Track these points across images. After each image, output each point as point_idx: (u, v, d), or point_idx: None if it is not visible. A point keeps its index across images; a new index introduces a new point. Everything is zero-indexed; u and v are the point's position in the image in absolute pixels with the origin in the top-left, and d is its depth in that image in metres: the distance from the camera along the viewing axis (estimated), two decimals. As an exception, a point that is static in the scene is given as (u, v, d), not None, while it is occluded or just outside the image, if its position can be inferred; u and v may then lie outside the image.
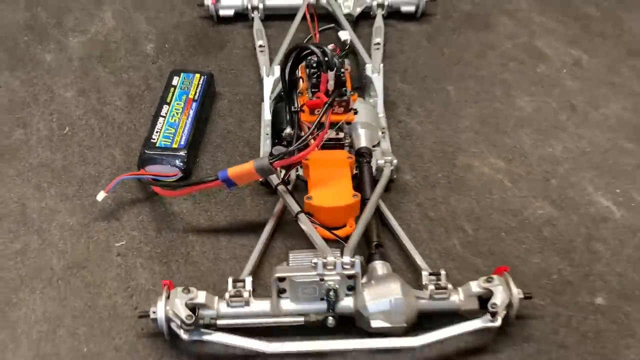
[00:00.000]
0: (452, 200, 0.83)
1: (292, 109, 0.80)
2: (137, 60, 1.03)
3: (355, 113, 0.82)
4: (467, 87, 0.99)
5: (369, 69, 0.92)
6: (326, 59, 0.73)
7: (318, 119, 0.72)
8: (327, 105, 0.73)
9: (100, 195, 0.78)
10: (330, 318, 0.64)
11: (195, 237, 0.79)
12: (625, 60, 1.04)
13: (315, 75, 0.79)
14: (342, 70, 0.78)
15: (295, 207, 0.74)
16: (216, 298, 0.67)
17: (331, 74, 0.74)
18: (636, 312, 0.71)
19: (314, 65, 0.79)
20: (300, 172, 0.84)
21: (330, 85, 0.76)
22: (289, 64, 0.77)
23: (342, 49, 0.86)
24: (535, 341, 0.68)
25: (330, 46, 0.81)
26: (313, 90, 0.80)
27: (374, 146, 0.86)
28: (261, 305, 0.67)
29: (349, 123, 0.84)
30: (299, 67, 0.81)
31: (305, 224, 0.72)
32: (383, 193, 0.82)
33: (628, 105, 0.97)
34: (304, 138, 0.72)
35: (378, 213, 0.79)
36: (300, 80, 0.83)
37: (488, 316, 0.65)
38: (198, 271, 0.75)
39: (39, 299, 0.72)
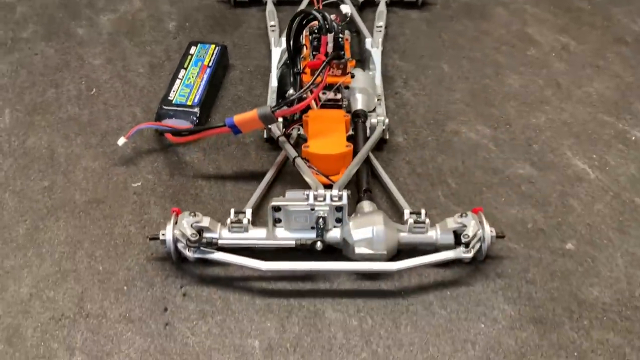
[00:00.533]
0: (439, 160, 0.90)
1: (295, 71, 0.89)
2: (160, 36, 1.14)
3: (352, 77, 0.91)
4: (461, 66, 1.07)
5: (368, 43, 1.01)
6: (326, 22, 0.82)
7: (317, 73, 0.81)
8: (325, 62, 0.82)
9: (121, 141, 0.87)
10: (319, 242, 0.72)
11: (204, 182, 0.87)
12: (611, 47, 1.11)
13: (316, 39, 0.88)
14: (341, 36, 0.87)
15: (293, 152, 0.82)
16: (219, 224, 0.75)
17: (330, 37, 0.83)
18: (602, 258, 0.77)
19: (316, 30, 0.88)
20: (302, 131, 0.92)
21: (330, 47, 0.85)
22: (293, 29, 0.86)
23: (343, 22, 0.95)
24: (506, 277, 0.75)
25: (332, 15, 0.91)
26: (314, 53, 0.89)
27: (370, 112, 0.94)
28: (258, 232, 0.75)
29: (347, 87, 0.92)
30: (304, 36, 0.90)
31: (301, 166, 0.80)
32: (376, 152, 0.90)
33: (611, 85, 1.03)
34: (303, 90, 0.81)
35: (369, 166, 0.86)
36: (304, 47, 0.92)
37: (462, 247, 0.72)
38: (205, 209, 0.83)
39: (62, 226, 0.81)
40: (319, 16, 0.83)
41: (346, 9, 0.94)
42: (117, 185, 0.86)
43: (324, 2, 0.99)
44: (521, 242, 0.79)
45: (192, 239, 0.71)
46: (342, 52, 0.87)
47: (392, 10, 1.18)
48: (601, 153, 0.91)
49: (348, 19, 0.94)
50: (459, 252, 0.72)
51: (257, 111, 0.80)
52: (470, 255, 0.72)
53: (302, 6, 1.11)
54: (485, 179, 0.87)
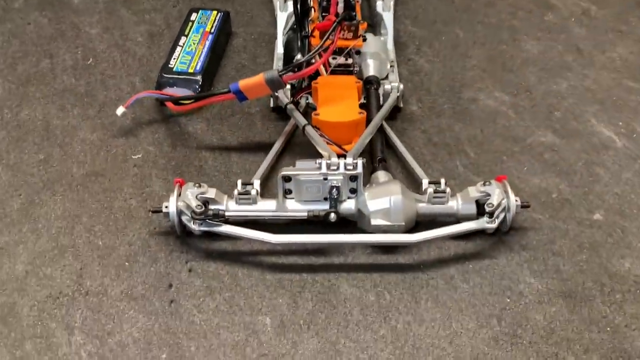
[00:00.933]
0: (456, 128, 0.85)
1: (303, 35, 0.84)
2: (159, 4, 1.07)
3: (364, 40, 0.85)
4: (476, 31, 1.01)
5: (379, 5, 0.95)
6: (336, -20, 0.77)
7: (327, 35, 0.76)
8: (335, 22, 0.77)
9: (120, 110, 0.82)
10: (332, 214, 0.67)
11: (208, 153, 0.82)
12: (633, 11, 1.05)
13: (325, 0, 0.83)
14: (352, -5, 0.81)
15: (303, 121, 0.77)
16: (225, 196, 0.70)
17: (341, -5, 0.78)
18: (633, 228, 0.73)
19: (325, -9, 0.83)
20: (310, 99, 0.87)
21: (340, 7, 0.80)
22: (301, -12, 0.81)
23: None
24: (532, 249, 0.71)
25: (342, -25, 0.85)
26: (323, 14, 0.84)
27: (382, 78, 0.89)
28: (268, 204, 0.70)
29: (358, 52, 0.87)
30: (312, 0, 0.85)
31: (312, 134, 0.75)
32: (390, 121, 0.85)
33: (635, 50, 0.98)
34: (312, 52, 0.76)
35: (383, 135, 0.82)
36: (312, 10, 0.86)
37: (485, 218, 0.68)
38: (210, 182, 0.78)
39: (59, 200, 0.76)
40: (328, -26, 0.77)
41: (355, -33, 0.89)
42: (116, 158, 0.81)
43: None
44: (546, 213, 0.74)
45: (198, 210, 0.66)
46: (354, 13, 0.82)
47: (402, -25, 1.13)
48: (627, 120, 0.86)
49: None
50: (482, 223, 0.68)
51: (264, 75, 0.75)
52: (494, 225, 0.68)
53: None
54: (505, 147, 0.82)
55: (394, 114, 0.87)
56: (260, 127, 0.86)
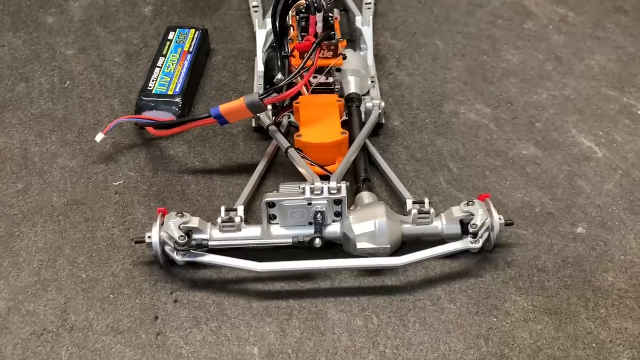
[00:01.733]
0: (438, 143, 0.85)
1: (283, 54, 0.83)
2: (136, 22, 1.06)
3: (344, 58, 0.85)
4: (456, 42, 1.02)
5: (358, 21, 0.95)
6: (314, 0, 0.76)
7: (307, 57, 0.75)
8: (315, 44, 0.76)
9: (99, 137, 0.81)
10: (317, 239, 0.67)
11: (190, 177, 0.81)
12: (610, 16, 1.06)
13: (304, 19, 0.82)
14: (331, 14, 0.81)
15: (285, 143, 0.77)
16: (209, 224, 0.70)
17: (319, 16, 0.78)
18: (615, 240, 0.73)
19: (303, 10, 0.83)
20: (292, 118, 0.87)
21: (319, 27, 0.79)
22: (279, 9, 0.80)
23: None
24: (517, 266, 0.71)
25: (319, -7, 0.85)
26: (302, 34, 0.83)
27: (363, 95, 0.89)
28: (252, 230, 0.70)
29: (338, 70, 0.87)
30: (290, 16, 0.84)
31: (294, 157, 0.75)
32: (372, 137, 0.85)
33: (612, 57, 0.99)
34: (292, 75, 0.75)
35: (366, 153, 0.82)
36: (291, 28, 0.86)
37: (469, 237, 0.68)
38: (193, 207, 0.78)
39: (40, 232, 0.75)
40: (306, -6, 0.77)
41: (334, -15, 0.88)
42: (97, 185, 0.80)
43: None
44: (530, 228, 0.75)
45: (181, 241, 0.66)
46: (333, 32, 0.82)
47: (380, -14, 1.13)
48: (607, 129, 0.87)
49: (336, -4, 0.89)
50: (467, 243, 0.68)
51: (245, 99, 0.74)
52: (478, 245, 0.68)
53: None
54: (487, 161, 0.83)
55: (376, 130, 0.86)
56: (242, 148, 0.85)
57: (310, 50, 0.76)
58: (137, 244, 0.71)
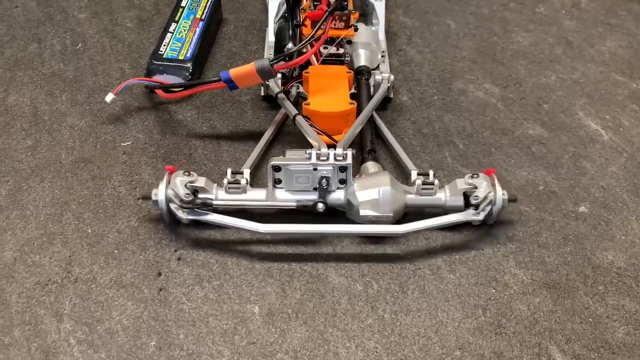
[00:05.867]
0: (445, 119, 0.86)
1: (295, 23, 0.83)
2: (149, -12, 1.07)
3: (356, 30, 0.85)
4: (467, 22, 1.02)
5: (371, -5, 0.95)
6: (328, -31, 0.76)
7: (319, 25, 0.76)
8: (327, 13, 0.77)
9: (109, 97, 0.82)
10: (320, 204, 0.68)
11: (198, 141, 0.82)
12: (623, 4, 1.06)
13: (317, -11, 0.82)
14: (344, -15, 0.81)
15: (293, 110, 0.77)
16: (215, 184, 0.71)
17: (333, -15, 0.78)
18: (617, 221, 0.74)
19: (317, -20, 0.83)
20: (301, 88, 0.87)
21: (332, -4, 0.80)
22: (293, -23, 0.80)
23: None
24: (518, 241, 0.72)
25: (333, -36, 0.85)
26: (315, 3, 0.84)
27: (373, 69, 0.89)
28: (257, 193, 0.70)
29: (349, 42, 0.87)
30: (303, -14, 0.84)
31: (302, 124, 0.75)
32: (380, 111, 0.86)
33: (623, 43, 0.99)
34: (303, 42, 0.75)
35: (374, 125, 0.82)
36: (304, -1, 0.86)
37: (472, 210, 0.69)
38: (200, 170, 0.78)
39: (48, 187, 0.76)
40: (320, -37, 0.77)
41: (348, -44, 0.88)
42: (105, 145, 0.81)
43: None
44: (532, 205, 0.75)
45: (186, 199, 0.66)
46: (345, 3, 0.82)
47: (395, -36, 1.12)
48: (614, 114, 0.87)
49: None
50: (469, 215, 0.69)
51: (255, 64, 0.75)
52: (480, 218, 0.69)
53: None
54: (494, 139, 0.83)
55: (385, 104, 0.87)
56: (250, 116, 0.86)
57: (322, 19, 0.76)
58: (143, 201, 0.72)
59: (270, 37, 0.93)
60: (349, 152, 0.68)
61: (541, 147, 0.82)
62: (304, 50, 0.77)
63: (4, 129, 0.82)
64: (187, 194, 0.67)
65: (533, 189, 0.77)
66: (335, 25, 0.84)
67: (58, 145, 0.81)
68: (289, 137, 0.82)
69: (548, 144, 0.83)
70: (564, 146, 0.83)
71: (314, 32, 0.76)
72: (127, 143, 0.81)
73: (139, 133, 0.83)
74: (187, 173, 0.69)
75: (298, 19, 0.83)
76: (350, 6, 0.88)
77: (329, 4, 0.79)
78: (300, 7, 0.84)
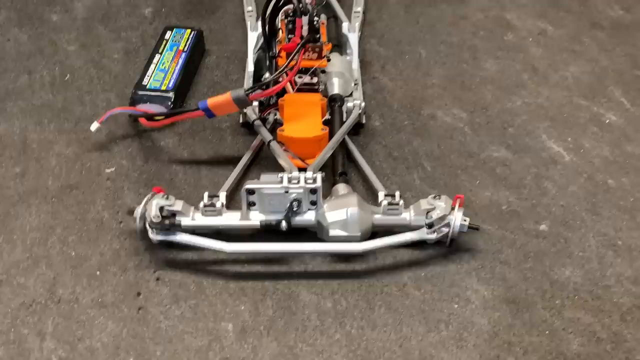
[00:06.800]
0: (415, 143, 0.90)
1: (270, 55, 0.88)
2: (136, 22, 1.12)
3: (329, 60, 0.90)
4: (438, 51, 1.07)
5: (345, 27, 1.00)
6: (300, 4, 0.81)
7: (292, 56, 0.81)
8: (300, 45, 0.81)
9: (94, 126, 0.86)
10: (283, 222, 0.71)
11: (179, 167, 0.86)
12: (587, 32, 1.11)
13: (291, 22, 0.87)
14: (317, 18, 0.86)
15: (268, 136, 0.82)
16: (192, 207, 0.74)
17: (305, 19, 0.83)
18: (575, 238, 0.78)
19: (291, 14, 0.88)
20: (278, 115, 0.91)
21: (305, 30, 0.84)
22: (268, 12, 0.85)
23: (318, 4, 0.95)
24: (480, 258, 0.75)
25: (307, -1, 0.90)
26: (289, 36, 0.89)
27: (346, 96, 0.94)
28: (232, 216, 0.74)
29: (323, 71, 0.92)
30: (280, 20, 0.89)
31: (275, 149, 0.80)
32: (353, 136, 0.90)
33: (586, 69, 1.04)
34: (277, 73, 0.80)
35: (345, 149, 0.86)
36: (280, 31, 0.91)
37: (425, 228, 0.72)
38: (180, 194, 0.82)
39: (34, 212, 0.80)
40: (293, -1, 0.82)
41: (322, -9, 0.93)
42: (90, 171, 0.85)
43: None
44: (495, 224, 0.79)
45: (155, 220, 0.70)
46: (318, 35, 0.87)
47: (370, -4, 1.18)
48: (576, 136, 0.92)
49: (324, 1, 0.94)
50: (423, 233, 0.72)
51: (231, 94, 0.79)
52: (433, 237, 0.72)
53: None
54: (460, 162, 0.87)
55: (357, 129, 0.91)
56: (229, 142, 0.90)
57: (295, 51, 0.81)
58: (123, 225, 0.76)
59: (250, 67, 0.98)
60: (319, 175, 0.72)
61: (505, 169, 0.86)
62: (279, 79, 0.82)
63: (-6, 158, 0.87)
64: (157, 215, 0.70)
65: (496, 209, 0.81)
66: (308, 56, 0.89)
67: (45, 172, 0.85)
68: (265, 161, 0.87)
69: (512, 166, 0.87)
70: (527, 167, 0.87)
71: (287, 63, 0.81)
72: (111, 169, 0.85)
73: (123, 159, 0.87)
74: (165, 196, 0.73)
75: (274, 50, 0.88)
76: (324, 38, 0.93)
77: (302, 37, 0.84)
78: (277, 40, 0.90)
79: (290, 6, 0.86)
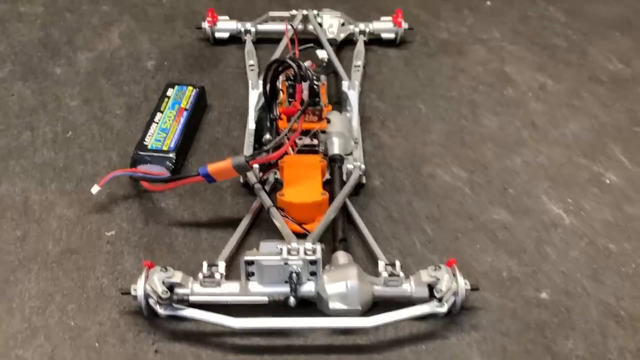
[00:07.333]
0: (414, 204, 0.90)
1: (271, 117, 0.89)
2: (138, 75, 1.13)
3: (328, 122, 0.91)
4: (438, 106, 1.08)
5: (345, 85, 1.01)
6: (301, 71, 0.82)
7: (292, 122, 0.81)
8: (300, 111, 0.82)
9: (95, 189, 0.86)
10: (292, 298, 0.71)
11: (179, 229, 0.86)
12: (586, 86, 1.12)
13: (292, 87, 0.88)
14: (317, 83, 0.87)
15: (268, 202, 0.82)
16: (191, 278, 0.74)
17: (305, 85, 0.84)
18: (577, 307, 0.77)
19: (292, 77, 0.89)
20: (278, 175, 0.92)
21: (305, 95, 0.86)
22: (270, 75, 0.86)
23: (319, 66, 0.96)
24: (481, 329, 0.75)
25: (307, 63, 0.91)
26: (290, 100, 0.89)
27: (346, 155, 0.94)
28: (231, 286, 0.74)
29: (323, 131, 0.93)
30: (281, 81, 0.90)
31: (275, 216, 0.80)
32: (353, 196, 0.90)
33: (585, 125, 1.04)
34: (277, 139, 0.81)
35: (345, 212, 0.86)
36: (281, 92, 0.92)
37: (435, 302, 0.72)
38: (179, 259, 0.82)
39: (34, 279, 0.79)
40: (293, 65, 0.83)
41: (322, 54, 0.95)
42: (90, 234, 0.85)
43: (300, 48, 0.99)
44: (496, 292, 0.79)
45: (163, 296, 0.70)
46: (318, 99, 0.88)
47: (370, 49, 1.19)
48: (576, 197, 0.92)
49: (324, 64, 0.95)
50: (433, 307, 0.72)
51: (232, 161, 0.80)
52: (444, 309, 0.72)
53: (280, 48, 1.11)
54: (460, 224, 0.87)
55: (357, 189, 0.91)
56: (230, 202, 0.90)
57: (294, 118, 0.82)
58: (123, 295, 0.75)
59: (251, 125, 0.98)
60: (318, 247, 0.72)
61: (505, 233, 0.86)
62: (280, 143, 0.83)
63: (-5, 220, 0.87)
64: (165, 291, 0.70)
65: (497, 276, 0.81)
66: (309, 119, 0.89)
67: (46, 235, 0.85)
68: (266, 223, 0.86)
69: (512, 229, 0.87)
70: (527, 231, 0.87)
71: (288, 128, 0.81)
72: (111, 233, 0.85)
73: (123, 222, 0.87)
74: (164, 269, 0.73)
75: (275, 113, 0.89)
76: (324, 99, 0.94)
77: (302, 102, 0.85)
78: (278, 101, 0.90)
79: (291, 70, 0.87)
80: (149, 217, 0.88)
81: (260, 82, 1.00)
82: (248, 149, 0.95)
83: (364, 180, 0.92)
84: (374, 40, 1.20)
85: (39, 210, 0.88)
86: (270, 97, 0.89)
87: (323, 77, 0.98)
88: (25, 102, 1.07)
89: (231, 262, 0.80)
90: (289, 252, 0.72)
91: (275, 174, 0.92)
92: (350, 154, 0.94)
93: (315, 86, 0.86)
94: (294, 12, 1.17)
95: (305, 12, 1.17)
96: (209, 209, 0.89)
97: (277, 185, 0.92)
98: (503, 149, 1.00)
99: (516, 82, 1.13)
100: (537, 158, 0.98)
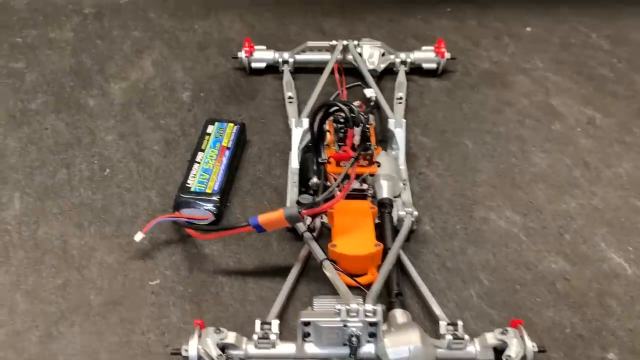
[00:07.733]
0: (469, 252, 0.87)
1: (319, 160, 0.85)
2: (174, 107, 1.10)
3: (379, 166, 0.87)
4: (485, 142, 1.04)
5: (392, 123, 0.98)
6: (353, 115, 0.79)
7: (345, 172, 0.78)
8: (353, 159, 0.79)
9: (138, 236, 0.83)
10: (353, 363, 0.68)
11: (225, 278, 0.83)
12: (637, 120, 1.09)
13: (342, 130, 0.85)
14: (367, 126, 0.83)
15: (320, 254, 0.79)
16: (245, 339, 0.71)
17: (357, 130, 0.81)
18: (647, 368, 0.74)
19: (341, 120, 0.85)
20: (325, 219, 0.88)
21: (356, 140, 0.82)
22: (318, 118, 0.83)
23: (367, 105, 0.92)
24: (548, 393, 0.71)
25: (356, 103, 0.88)
26: (339, 143, 0.86)
27: (395, 197, 0.91)
28: (287, 347, 0.71)
29: (372, 175, 0.89)
30: (328, 122, 0.87)
31: (329, 270, 0.76)
32: (404, 243, 0.86)
33: (639, 164, 1.01)
34: (330, 189, 0.77)
35: (398, 262, 0.83)
36: (328, 133, 0.89)
37: (505, 368, 0.69)
38: (227, 311, 0.79)
39: (78, 333, 0.76)
40: (345, 109, 0.79)
41: (370, 92, 0.91)
42: (133, 283, 0.82)
43: (348, 86, 0.96)
44: (560, 351, 0.75)
45: (218, 360, 0.67)
46: (369, 144, 0.84)
47: (411, 79, 1.15)
48: (636, 244, 0.88)
49: (373, 103, 0.91)
50: (502, 373, 0.69)
51: (284, 212, 0.76)
52: (513, 375, 0.69)
53: (322, 80, 1.07)
54: (518, 274, 0.84)
55: (408, 236, 0.88)
56: (276, 248, 0.87)
57: (349, 166, 0.79)
58: (173, 355, 0.72)
59: (294, 164, 0.95)
60: (379, 308, 0.69)
61: (565, 284, 0.83)
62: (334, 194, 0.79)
63: (34, 267, 0.84)
64: (220, 355, 0.67)
65: (560, 332, 0.77)
66: (359, 163, 0.86)
67: (87, 284, 0.82)
68: (314, 272, 0.83)
69: (572, 280, 0.83)
70: (588, 282, 0.83)
71: (340, 179, 0.78)
72: (155, 282, 0.82)
73: (167, 270, 0.84)
74: (217, 330, 0.70)
75: (323, 156, 0.85)
76: (373, 140, 0.90)
77: (353, 147, 0.82)
78: (325, 143, 0.87)
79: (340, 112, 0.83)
80: (193, 265, 0.85)
81: (303, 119, 0.98)
82: (292, 191, 0.92)
83: (415, 227, 0.89)
84: (414, 70, 1.17)
85: (78, 256, 0.85)
86: (317, 139, 0.86)
87: (371, 117, 0.95)
88: (59, 137, 1.04)
89: (283, 314, 0.77)
90: (347, 314, 0.69)
91: (322, 217, 0.88)
92: (399, 195, 0.91)
93: (367, 130, 0.83)
94: (334, 42, 1.13)
95: (345, 42, 1.13)
96: (255, 255, 0.86)
97: (324, 230, 0.89)
98: (555, 189, 0.96)
99: (563, 115, 1.10)
100: (591, 200, 0.95)
